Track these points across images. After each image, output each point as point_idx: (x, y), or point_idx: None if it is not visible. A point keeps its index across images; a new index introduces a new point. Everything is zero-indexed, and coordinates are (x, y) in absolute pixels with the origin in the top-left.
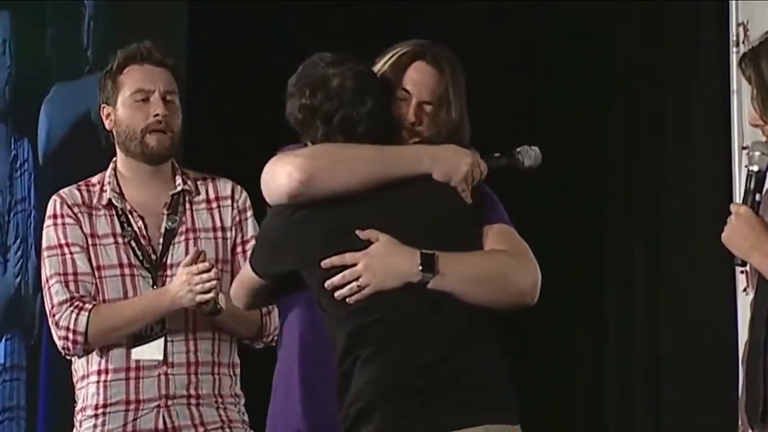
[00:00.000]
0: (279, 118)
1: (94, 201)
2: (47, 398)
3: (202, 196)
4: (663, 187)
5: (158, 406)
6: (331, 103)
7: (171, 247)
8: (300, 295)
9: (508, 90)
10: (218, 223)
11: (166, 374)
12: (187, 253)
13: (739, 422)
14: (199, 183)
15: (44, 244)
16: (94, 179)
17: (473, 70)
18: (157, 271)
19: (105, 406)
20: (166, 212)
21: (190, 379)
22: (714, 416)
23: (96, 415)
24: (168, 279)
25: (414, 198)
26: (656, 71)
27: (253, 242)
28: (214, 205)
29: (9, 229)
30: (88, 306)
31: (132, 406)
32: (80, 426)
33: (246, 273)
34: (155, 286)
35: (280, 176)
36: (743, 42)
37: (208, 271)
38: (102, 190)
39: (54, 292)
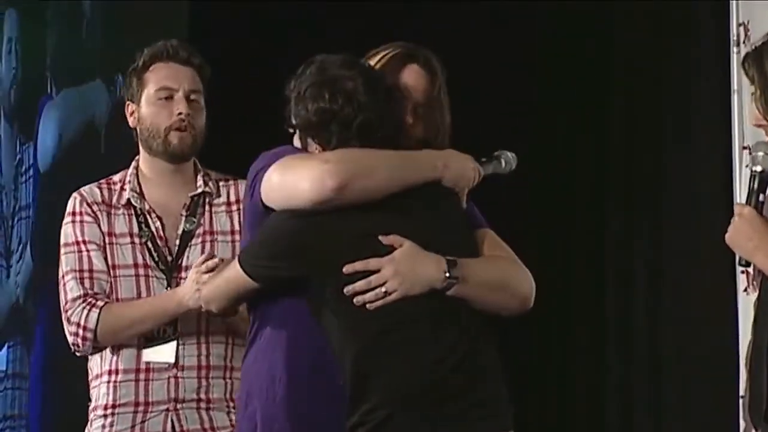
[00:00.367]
0: (280, 119)
1: (114, 200)
2: (41, 406)
3: (223, 198)
4: (663, 187)
5: (167, 410)
6: (351, 108)
7: (187, 249)
8: (290, 300)
9: (508, 90)
10: (236, 227)
11: (176, 377)
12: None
13: (741, 423)
14: (221, 184)
15: (62, 241)
16: (116, 177)
17: (473, 70)
18: (172, 272)
19: (114, 406)
20: (184, 213)
21: (201, 383)
22: (714, 417)
23: (105, 415)
24: (183, 281)
25: (420, 204)
26: (656, 71)
27: None
28: (234, 208)
29: (13, 234)
30: (100, 303)
31: (141, 408)
32: (91, 425)
33: (232, 275)
34: (170, 288)
35: (304, 182)
36: (744, 42)
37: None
38: (122, 189)
39: (69, 288)
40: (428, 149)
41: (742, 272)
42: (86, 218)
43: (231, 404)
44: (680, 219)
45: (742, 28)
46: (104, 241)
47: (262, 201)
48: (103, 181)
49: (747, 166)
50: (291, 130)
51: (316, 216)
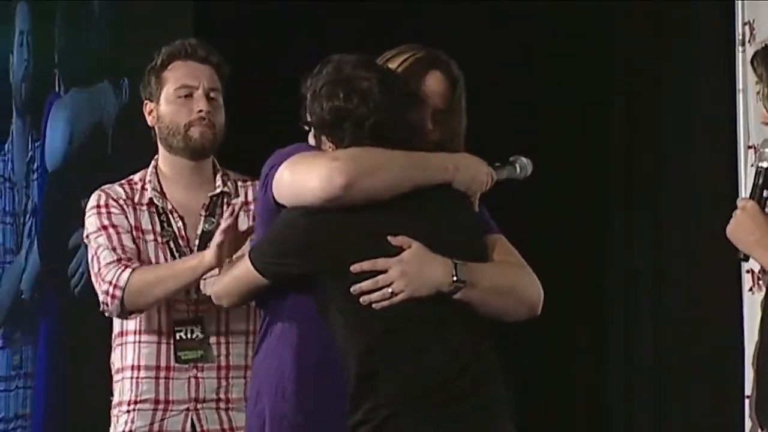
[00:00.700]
0: (283, 118)
1: (137, 198)
2: (45, 404)
3: (241, 198)
4: (664, 186)
5: (187, 409)
6: (365, 107)
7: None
8: (300, 297)
9: (508, 90)
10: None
11: (196, 377)
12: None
13: (747, 422)
14: (239, 184)
15: (88, 231)
16: (136, 177)
17: (473, 71)
18: None
19: (136, 402)
20: (204, 214)
21: (221, 383)
22: (717, 418)
23: (128, 411)
24: (201, 280)
25: (431, 206)
26: (657, 71)
27: None
28: (252, 207)
29: (24, 231)
30: (134, 265)
31: (161, 406)
32: (117, 421)
33: (243, 271)
34: (189, 289)
35: (313, 179)
36: (749, 41)
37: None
38: (143, 188)
39: (102, 258)
40: (442, 152)
41: (747, 272)
42: (113, 210)
43: None
44: (681, 219)
45: (747, 27)
46: (132, 233)
47: (273, 198)
48: (123, 180)
49: (752, 165)
50: (306, 128)
51: (325, 214)
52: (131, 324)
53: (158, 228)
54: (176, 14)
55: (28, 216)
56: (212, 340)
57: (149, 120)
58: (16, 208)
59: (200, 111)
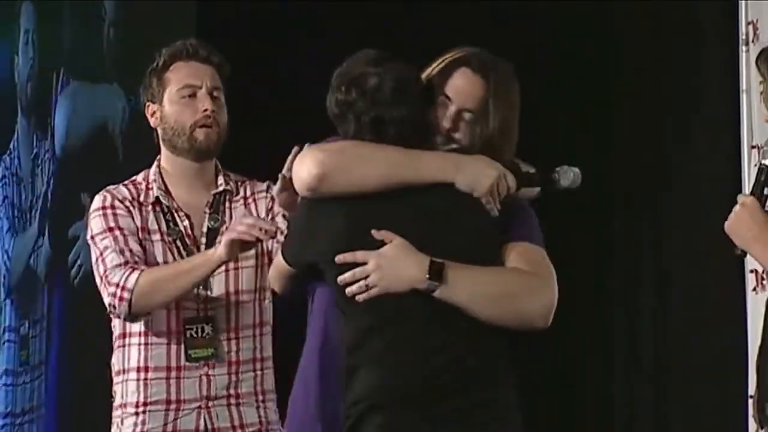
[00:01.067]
0: (286, 118)
1: (142, 197)
2: (58, 398)
3: (241, 194)
4: (668, 187)
5: (199, 407)
6: (363, 101)
7: (213, 247)
8: (324, 287)
9: None
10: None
11: (207, 375)
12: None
13: (751, 422)
14: (239, 184)
15: (93, 232)
16: (139, 177)
17: None
18: None
19: (146, 404)
20: (208, 211)
21: (231, 379)
22: (722, 418)
23: (137, 413)
24: (210, 279)
25: (435, 205)
26: (660, 70)
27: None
28: (251, 200)
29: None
30: (141, 267)
31: (173, 406)
32: (122, 423)
33: (279, 258)
34: (198, 287)
35: (302, 169)
36: (753, 41)
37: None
38: (148, 188)
39: (108, 260)
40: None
41: (751, 272)
42: (119, 212)
43: (260, 398)
44: (684, 219)
45: (750, 27)
46: (138, 235)
47: None
48: (127, 181)
49: (755, 164)
50: None
51: (325, 203)
52: (135, 326)
53: (164, 227)
54: (179, 14)
55: (33, 212)
56: (222, 336)
57: (152, 121)
58: (23, 204)
59: (205, 110)
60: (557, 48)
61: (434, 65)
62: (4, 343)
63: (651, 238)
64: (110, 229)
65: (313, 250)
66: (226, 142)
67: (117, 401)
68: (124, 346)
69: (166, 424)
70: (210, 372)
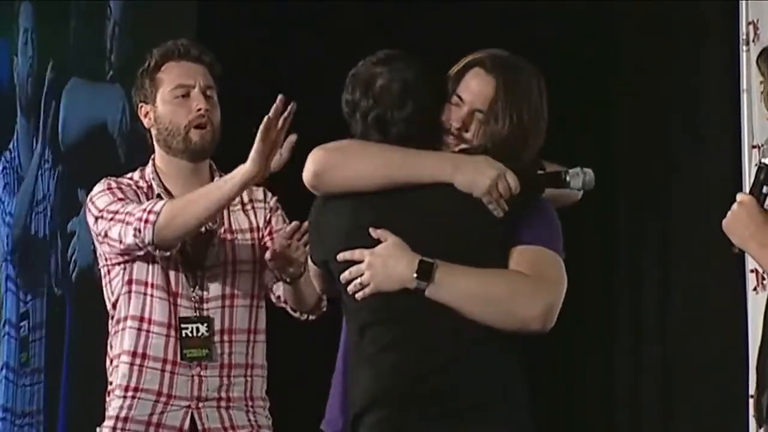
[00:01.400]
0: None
1: (141, 195)
2: (67, 404)
3: (237, 198)
4: (670, 187)
5: (188, 407)
6: (367, 101)
7: (210, 248)
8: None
9: None
10: (254, 224)
11: (199, 376)
12: (225, 254)
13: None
14: None
15: (100, 207)
16: (136, 176)
17: None
18: (196, 271)
19: (136, 389)
20: None
21: (223, 382)
22: (723, 416)
23: (124, 396)
24: (206, 280)
25: (436, 205)
26: (662, 71)
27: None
28: (249, 207)
29: (31, 228)
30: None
31: (162, 399)
32: (109, 405)
33: None
34: (194, 287)
35: (307, 167)
36: (754, 41)
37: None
38: (148, 186)
39: (126, 209)
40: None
41: (752, 271)
42: (125, 188)
43: (250, 403)
44: (686, 219)
45: (751, 27)
46: None
47: None
48: (123, 178)
49: (756, 164)
50: None
51: (332, 201)
52: (132, 311)
53: None
54: (179, 14)
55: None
56: (216, 338)
57: (145, 122)
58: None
59: (199, 109)
60: (557, 48)
61: (456, 65)
62: (4, 336)
63: (654, 238)
64: (120, 200)
65: (323, 248)
66: (224, 142)
67: (111, 385)
68: (119, 330)
69: (152, 415)
70: (202, 373)
